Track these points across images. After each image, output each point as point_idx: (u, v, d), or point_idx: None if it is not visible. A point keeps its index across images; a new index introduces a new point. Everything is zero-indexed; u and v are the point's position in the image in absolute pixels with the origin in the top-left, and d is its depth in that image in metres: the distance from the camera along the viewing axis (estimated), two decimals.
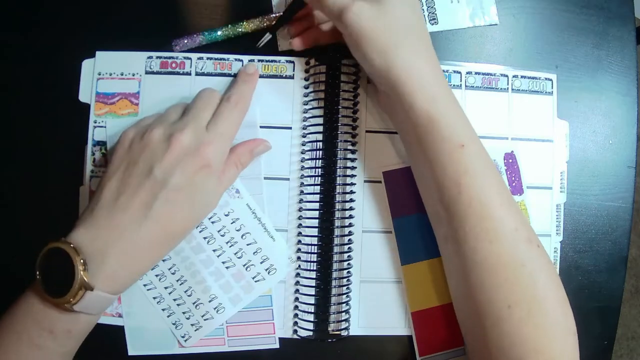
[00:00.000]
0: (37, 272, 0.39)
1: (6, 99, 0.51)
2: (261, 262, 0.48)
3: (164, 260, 0.48)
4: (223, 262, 0.48)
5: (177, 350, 0.48)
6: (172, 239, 0.43)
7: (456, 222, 0.39)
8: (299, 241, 0.49)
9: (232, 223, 0.49)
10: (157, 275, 0.48)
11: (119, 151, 0.43)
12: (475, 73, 0.51)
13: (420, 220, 0.49)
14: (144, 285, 0.48)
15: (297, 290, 0.49)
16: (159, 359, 0.48)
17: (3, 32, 0.51)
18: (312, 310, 0.48)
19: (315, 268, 0.49)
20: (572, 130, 0.52)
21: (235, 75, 0.50)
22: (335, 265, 0.48)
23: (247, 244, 0.49)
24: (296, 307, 0.49)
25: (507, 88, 0.51)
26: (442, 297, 0.49)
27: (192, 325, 0.48)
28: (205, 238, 0.48)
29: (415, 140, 0.41)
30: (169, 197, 0.40)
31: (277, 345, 0.49)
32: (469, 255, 0.39)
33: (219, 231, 0.49)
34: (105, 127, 0.49)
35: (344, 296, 0.48)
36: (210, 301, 0.48)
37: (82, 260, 0.38)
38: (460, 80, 0.51)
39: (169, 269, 0.48)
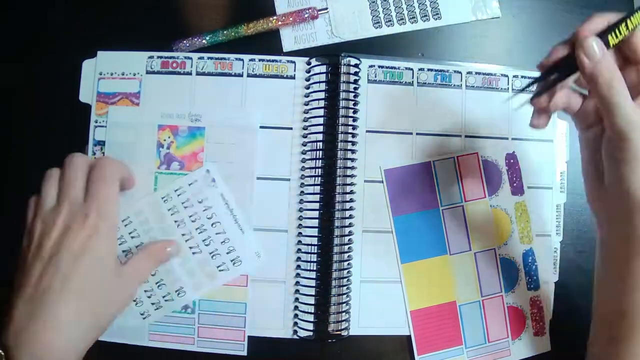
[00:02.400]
0: None
1: (6, 99, 0.51)
2: (227, 253, 0.49)
3: (132, 237, 0.49)
4: (190, 247, 0.49)
5: (147, 342, 0.49)
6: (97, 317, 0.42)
7: (624, 343, 0.38)
8: (299, 241, 0.49)
9: (204, 210, 0.49)
10: (124, 251, 0.49)
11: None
12: (476, 73, 0.51)
13: (420, 219, 0.50)
14: None
15: (297, 291, 0.49)
16: (129, 349, 0.49)
17: (3, 32, 0.51)
18: (312, 311, 0.48)
19: (315, 268, 0.49)
20: (572, 130, 0.52)
21: (235, 75, 0.50)
22: (335, 265, 0.48)
23: (216, 233, 0.49)
24: (296, 307, 0.49)
25: (508, 88, 0.51)
26: (441, 297, 0.49)
27: (152, 304, 0.49)
28: (176, 221, 0.49)
29: (624, 265, 0.39)
30: (66, 274, 0.40)
31: (244, 353, 0.48)
32: None
33: (190, 216, 0.49)
34: (105, 127, 0.49)
35: (344, 296, 0.48)
36: (172, 283, 0.49)
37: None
38: (461, 80, 0.51)
39: (136, 247, 0.49)
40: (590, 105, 0.39)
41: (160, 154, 0.49)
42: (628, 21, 0.34)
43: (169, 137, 0.50)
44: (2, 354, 0.38)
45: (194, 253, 0.49)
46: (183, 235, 0.49)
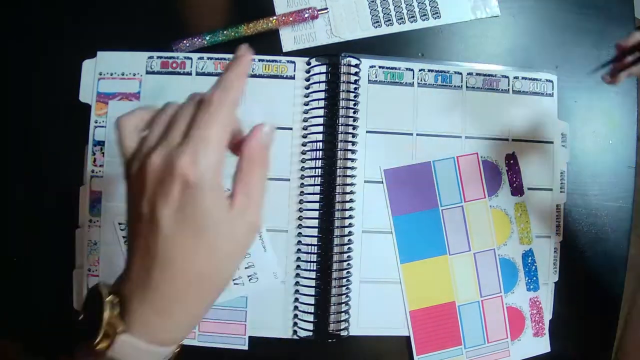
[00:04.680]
0: (82, 314, 0.35)
1: (6, 99, 0.51)
2: (245, 268, 0.49)
3: None
4: None
5: None
6: (204, 282, 0.35)
7: None
8: (299, 241, 0.49)
9: None
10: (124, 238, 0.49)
11: (132, 174, 0.35)
12: (477, 74, 0.51)
13: (420, 219, 0.50)
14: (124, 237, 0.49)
15: (297, 291, 0.49)
16: None
17: (3, 32, 0.51)
18: (312, 311, 0.48)
19: (315, 268, 0.49)
20: (572, 130, 0.52)
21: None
22: (335, 266, 0.48)
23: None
24: (296, 307, 0.49)
25: (508, 89, 0.51)
26: (440, 297, 0.49)
27: None
28: None
29: None
30: (168, 236, 0.32)
31: (245, 347, 0.49)
32: None
33: None
34: (105, 127, 0.49)
35: (344, 296, 0.48)
36: None
37: (112, 301, 0.33)
38: (461, 81, 0.51)
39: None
40: None
41: None
42: None
43: None
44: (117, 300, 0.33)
45: None
46: None
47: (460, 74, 0.51)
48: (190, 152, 0.32)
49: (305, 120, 0.49)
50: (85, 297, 0.35)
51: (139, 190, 0.33)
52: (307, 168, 0.49)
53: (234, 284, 0.49)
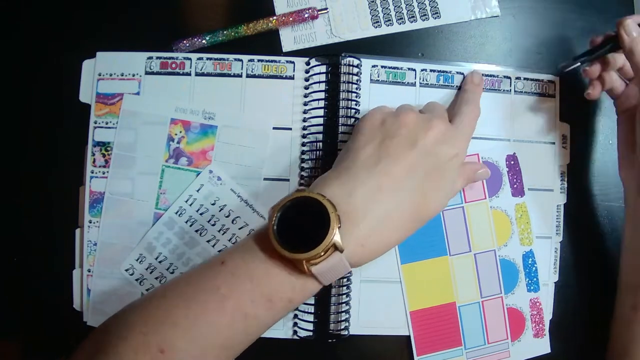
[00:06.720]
0: (274, 224, 0.34)
1: (6, 99, 0.51)
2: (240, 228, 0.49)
3: (160, 262, 0.48)
4: (219, 251, 0.49)
5: None
6: (421, 218, 0.40)
7: None
8: None
9: (220, 210, 0.49)
10: (156, 278, 0.48)
11: (370, 125, 0.43)
12: None
13: None
14: (136, 280, 0.49)
15: None
16: None
17: (3, 32, 0.51)
18: (312, 311, 0.48)
19: None
20: (573, 130, 0.52)
21: (234, 75, 0.50)
22: None
23: (239, 228, 0.49)
24: (296, 307, 0.49)
25: (510, 90, 0.51)
26: (441, 297, 0.49)
27: None
28: (197, 231, 0.49)
29: None
30: (430, 172, 0.40)
31: None
32: None
33: (209, 221, 0.49)
34: (103, 127, 0.49)
35: (344, 296, 0.48)
36: None
37: (338, 216, 0.35)
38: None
39: (167, 269, 0.48)
40: (630, 91, 0.46)
41: (170, 148, 0.49)
42: None
43: (181, 132, 0.49)
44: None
45: None
46: (208, 241, 0.49)
47: (462, 74, 0.51)
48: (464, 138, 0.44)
49: (305, 120, 0.49)
50: (284, 206, 0.36)
51: (415, 131, 0.41)
52: (307, 168, 0.49)
53: None
